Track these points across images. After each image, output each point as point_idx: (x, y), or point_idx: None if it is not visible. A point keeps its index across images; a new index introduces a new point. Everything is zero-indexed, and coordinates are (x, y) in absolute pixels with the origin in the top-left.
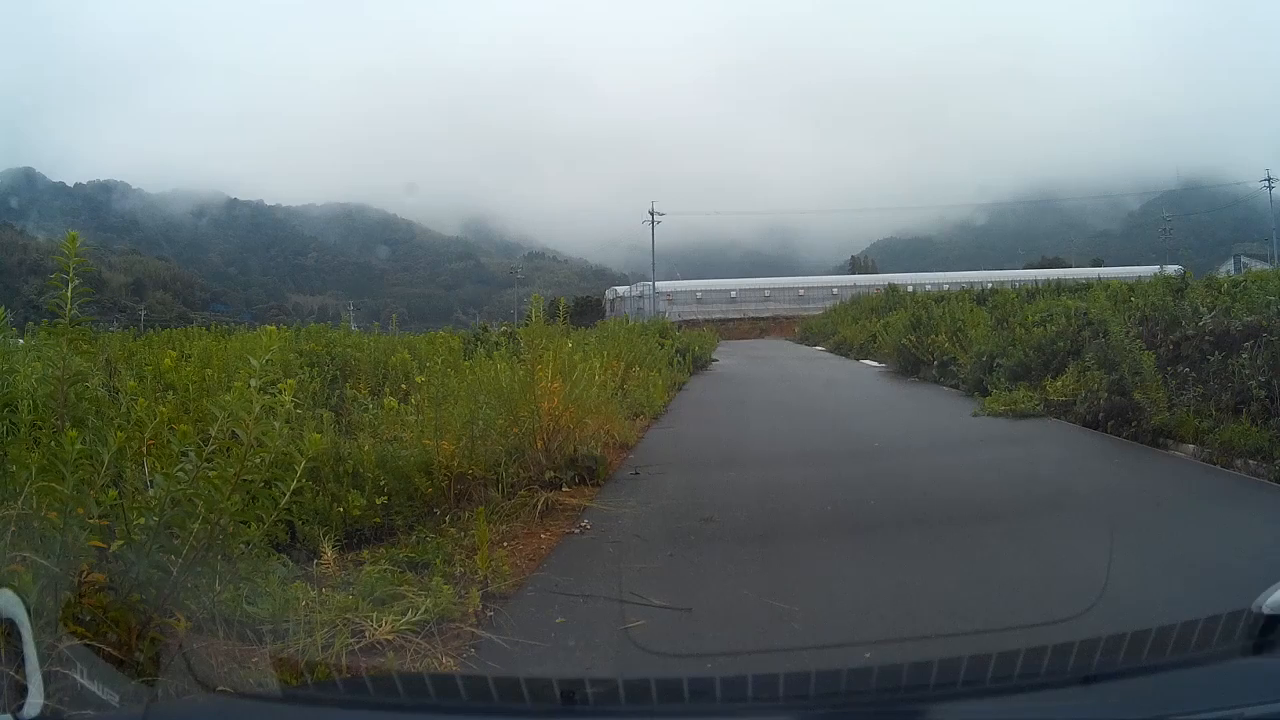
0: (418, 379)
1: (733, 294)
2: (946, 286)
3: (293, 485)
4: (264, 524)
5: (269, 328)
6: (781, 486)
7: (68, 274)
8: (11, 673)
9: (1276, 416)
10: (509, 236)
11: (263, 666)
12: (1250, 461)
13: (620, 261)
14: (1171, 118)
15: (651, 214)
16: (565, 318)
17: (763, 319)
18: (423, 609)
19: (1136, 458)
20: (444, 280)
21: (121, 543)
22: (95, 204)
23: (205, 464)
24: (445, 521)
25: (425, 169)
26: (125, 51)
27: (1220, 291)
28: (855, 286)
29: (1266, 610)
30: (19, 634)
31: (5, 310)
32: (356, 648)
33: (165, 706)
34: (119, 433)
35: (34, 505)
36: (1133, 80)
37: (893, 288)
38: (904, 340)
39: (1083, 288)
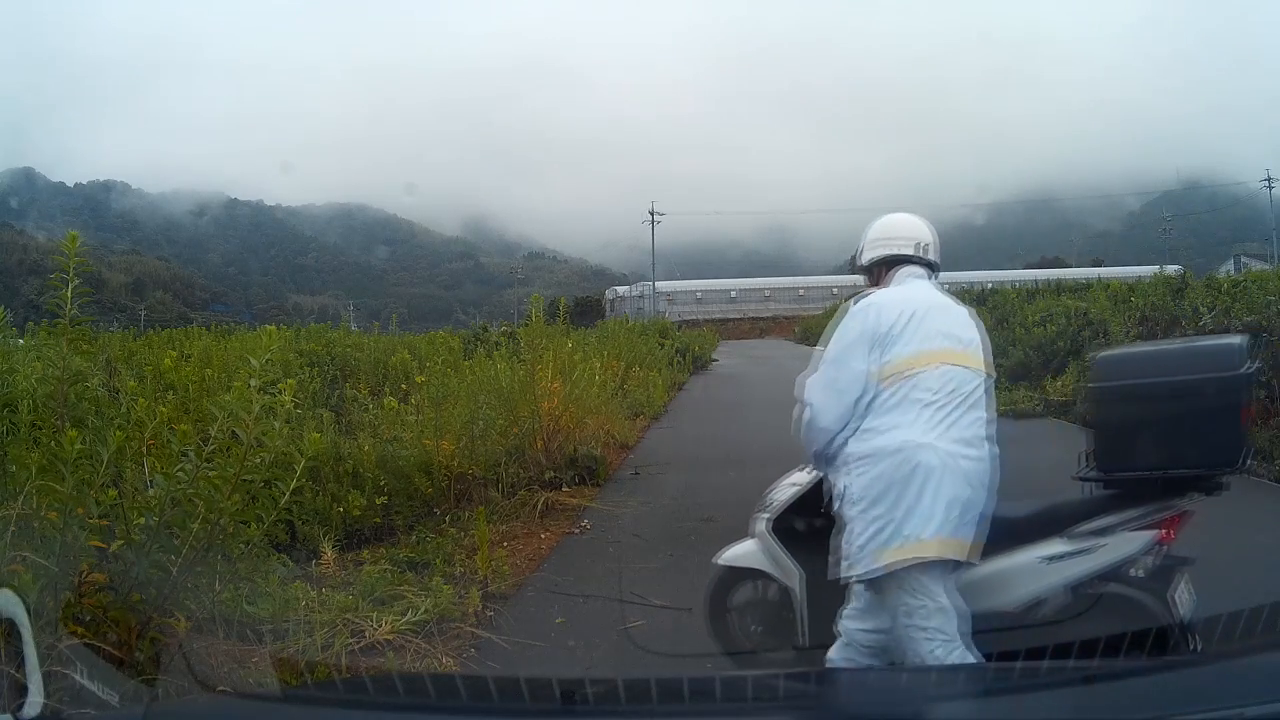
0: (418, 379)
1: (732, 294)
2: (947, 286)
3: (293, 485)
4: (264, 524)
5: (269, 328)
6: None
7: (68, 274)
8: (12, 672)
9: (1276, 416)
10: (509, 236)
11: (263, 666)
12: (1249, 461)
13: (620, 261)
14: (1171, 118)
15: (651, 214)
16: (565, 318)
17: (763, 319)
18: (423, 609)
19: None
20: (444, 280)
21: (121, 543)
22: (95, 204)
23: (205, 464)
24: (445, 521)
25: (425, 169)
26: (126, 52)
27: (1220, 291)
28: (855, 286)
29: (723, 562)
30: (19, 634)
31: (5, 310)
32: (356, 648)
33: (165, 706)
34: (119, 433)
35: (34, 505)
36: (1132, 80)
37: None
38: None
39: (1083, 288)
